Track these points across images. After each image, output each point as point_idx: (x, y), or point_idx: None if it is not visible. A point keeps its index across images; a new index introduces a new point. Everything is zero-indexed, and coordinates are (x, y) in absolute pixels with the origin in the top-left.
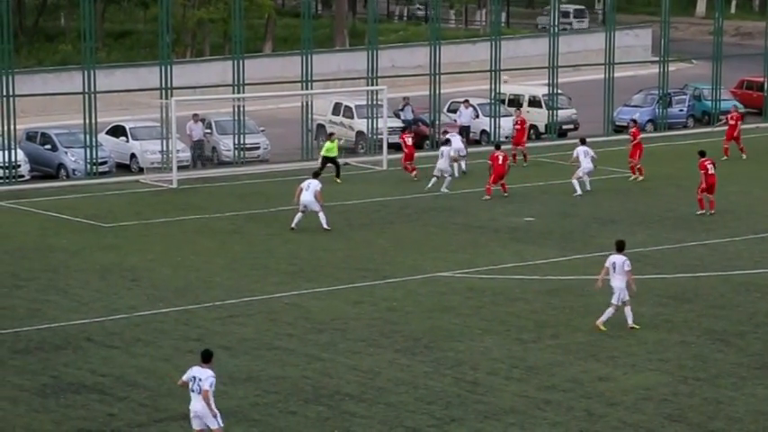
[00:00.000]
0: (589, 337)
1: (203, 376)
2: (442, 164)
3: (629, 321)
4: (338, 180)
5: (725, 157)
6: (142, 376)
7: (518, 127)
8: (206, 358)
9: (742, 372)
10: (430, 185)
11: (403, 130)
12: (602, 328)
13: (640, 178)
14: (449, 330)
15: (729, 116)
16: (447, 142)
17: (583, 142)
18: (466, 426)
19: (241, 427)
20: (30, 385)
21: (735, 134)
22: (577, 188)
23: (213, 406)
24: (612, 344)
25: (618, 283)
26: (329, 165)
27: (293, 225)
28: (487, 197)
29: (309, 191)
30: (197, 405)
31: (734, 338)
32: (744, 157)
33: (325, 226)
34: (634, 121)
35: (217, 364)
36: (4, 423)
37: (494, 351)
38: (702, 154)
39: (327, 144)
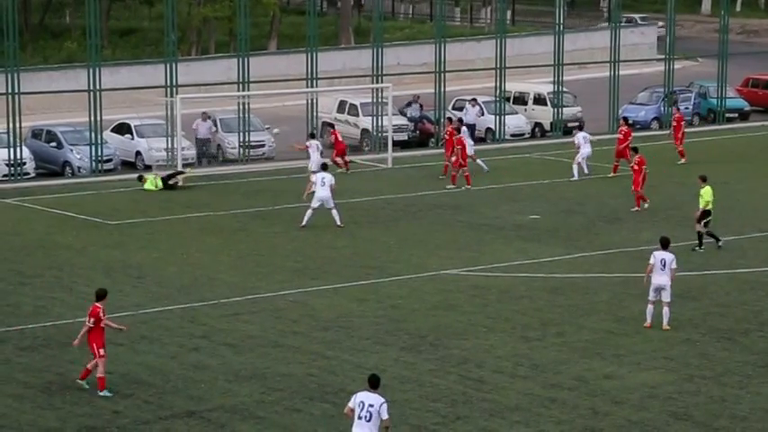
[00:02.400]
0: (594, 335)
1: (375, 402)
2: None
3: (665, 322)
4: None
5: (682, 161)
6: (147, 374)
7: (446, 137)
8: (374, 384)
9: (747, 370)
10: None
11: (333, 126)
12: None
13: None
14: (454, 328)
15: (672, 118)
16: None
17: (581, 128)
18: (471, 423)
19: (246, 424)
20: (35, 382)
21: (679, 135)
22: (575, 173)
23: None
24: (618, 342)
25: (663, 280)
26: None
27: (304, 223)
28: (452, 186)
29: (326, 186)
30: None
31: (739, 337)
32: (679, 161)
33: (338, 223)
34: (625, 119)
35: (222, 361)
36: (9, 420)
37: (499, 349)
38: (636, 150)
39: (147, 186)
